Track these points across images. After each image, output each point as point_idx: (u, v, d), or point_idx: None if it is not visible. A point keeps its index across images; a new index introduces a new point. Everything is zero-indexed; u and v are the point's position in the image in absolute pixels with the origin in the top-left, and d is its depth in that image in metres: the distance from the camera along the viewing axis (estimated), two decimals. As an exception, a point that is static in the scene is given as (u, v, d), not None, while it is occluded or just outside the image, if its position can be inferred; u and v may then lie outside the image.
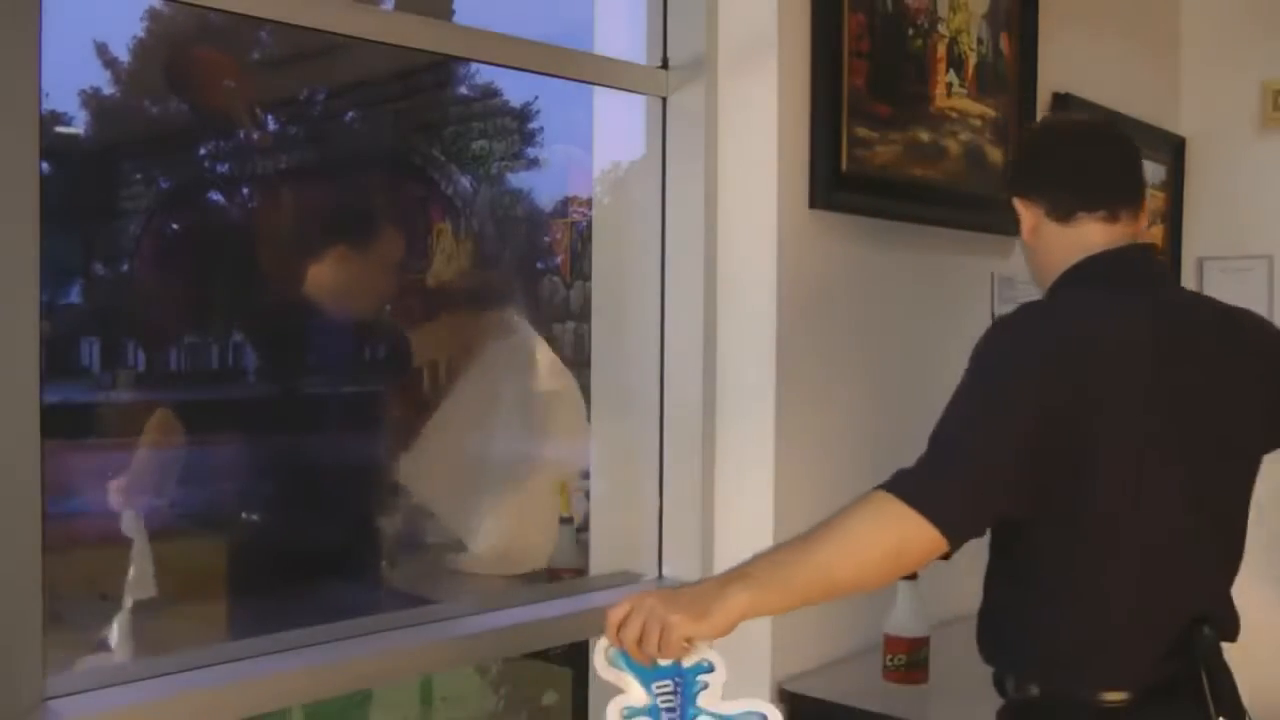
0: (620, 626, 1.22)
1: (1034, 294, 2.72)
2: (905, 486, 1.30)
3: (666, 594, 1.25)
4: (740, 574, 1.26)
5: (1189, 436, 1.39)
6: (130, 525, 1.78)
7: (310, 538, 1.82)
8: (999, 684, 1.50)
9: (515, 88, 2.44)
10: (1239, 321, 1.50)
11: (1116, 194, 1.51)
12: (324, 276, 2.03)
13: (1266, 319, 1.55)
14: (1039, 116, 2.65)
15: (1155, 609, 1.38)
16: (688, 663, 1.25)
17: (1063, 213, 1.52)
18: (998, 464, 1.34)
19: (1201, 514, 1.40)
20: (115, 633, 1.74)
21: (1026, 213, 1.57)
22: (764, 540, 1.93)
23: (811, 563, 1.27)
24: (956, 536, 1.30)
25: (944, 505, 1.29)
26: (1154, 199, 3.21)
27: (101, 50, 1.94)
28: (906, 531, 1.27)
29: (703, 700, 1.25)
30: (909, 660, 1.93)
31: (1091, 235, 1.50)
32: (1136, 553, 1.36)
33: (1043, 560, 1.42)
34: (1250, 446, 1.47)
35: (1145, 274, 1.52)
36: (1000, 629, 1.49)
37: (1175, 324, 1.44)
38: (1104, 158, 1.55)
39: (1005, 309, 2.61)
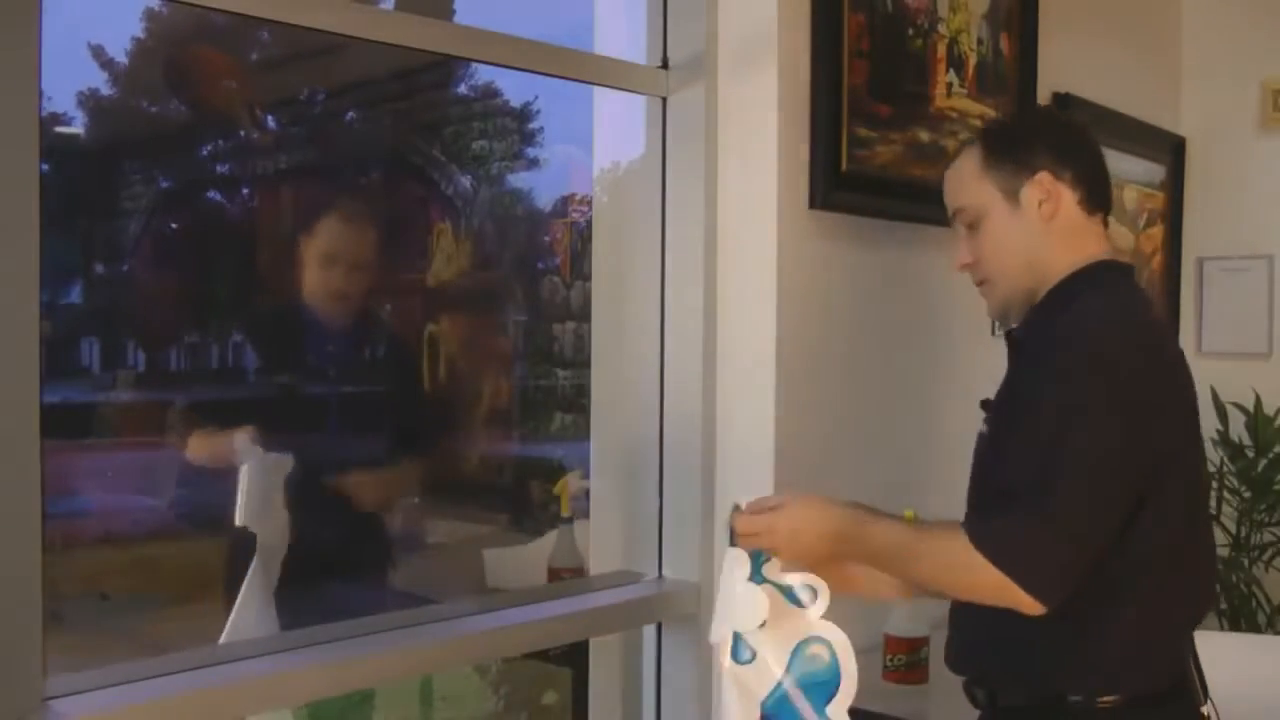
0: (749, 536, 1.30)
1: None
2: (1006, 556, 1.21)
3: (799, 530, 1.31)
4: (848, 533, 1.32)
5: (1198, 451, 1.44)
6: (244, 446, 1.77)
7: (312, 537, 1.82)
8: (988, 692, 1.45)
9: (515, 88, 2.44)
10: None
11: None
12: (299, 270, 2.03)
13: None
14: (1039, 116, 2.65)
15: (1197, 613, 1.42)
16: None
17: (1092, 205, 1.45)
18: (1111, 524, 1.26)
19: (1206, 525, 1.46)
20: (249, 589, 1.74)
21: (1052, 189, 1.42)
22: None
23: (914, 574, 1.37)
24: (1057, 602, 1.23)
25: (1052, 582, 1.22)
26: (1154, 199, 3.22)
27: (101, 51, 1.94)
28: (1005, 596, 1.23)
29: (766, 570, 1.33)
30: (909, 660, 1.93)
31: (1103, 237, 1.48)
32: (1183, 570, 1.36)
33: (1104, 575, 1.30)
34: None
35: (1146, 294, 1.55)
36: (1042, 641, 1.35)
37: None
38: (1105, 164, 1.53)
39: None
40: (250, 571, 1.73)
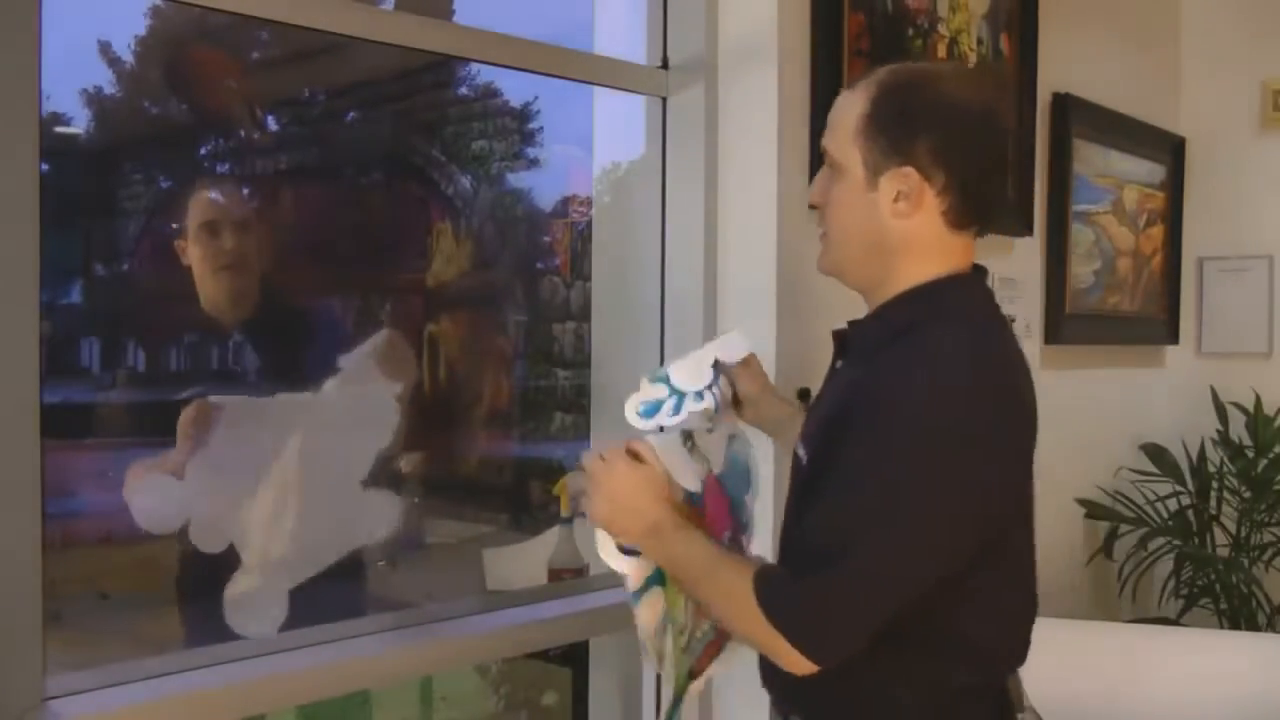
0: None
1: (1035, 294, 2.73)
2: (781, 614, 1.15)
3: (618, 504, 1.27)
4: (664, 531, 1.25)
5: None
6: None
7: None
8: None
9: (515, 88, 2.44)
10: None
11: (1003, 205, 1.38)
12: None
13: None
14: (1039, 116, 2.65)
15: (1013, 660, 1.32)
16: None
17: (960, 220, 1.26)
18: (904, 598, 1.16)
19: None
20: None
21: (915, 190, 1.23)
22: (763, 538, 1.93)
23: (699, 594, 1.27)
24: (828, 665, 1.17)
25: (823, 649, 1.16)
26: (1154, 199, 3.22)
27: (102, 50, 1.94)
28: (773, 649, 1.18)
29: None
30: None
31: (965, 251, 1.29)
32: (1003, 619, 1.29)
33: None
34: None
35: (995, 305, 1.36)
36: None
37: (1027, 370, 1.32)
38: (1008, 164, 1.37)
39: (1005, 309, 2.61)
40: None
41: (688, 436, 1.38)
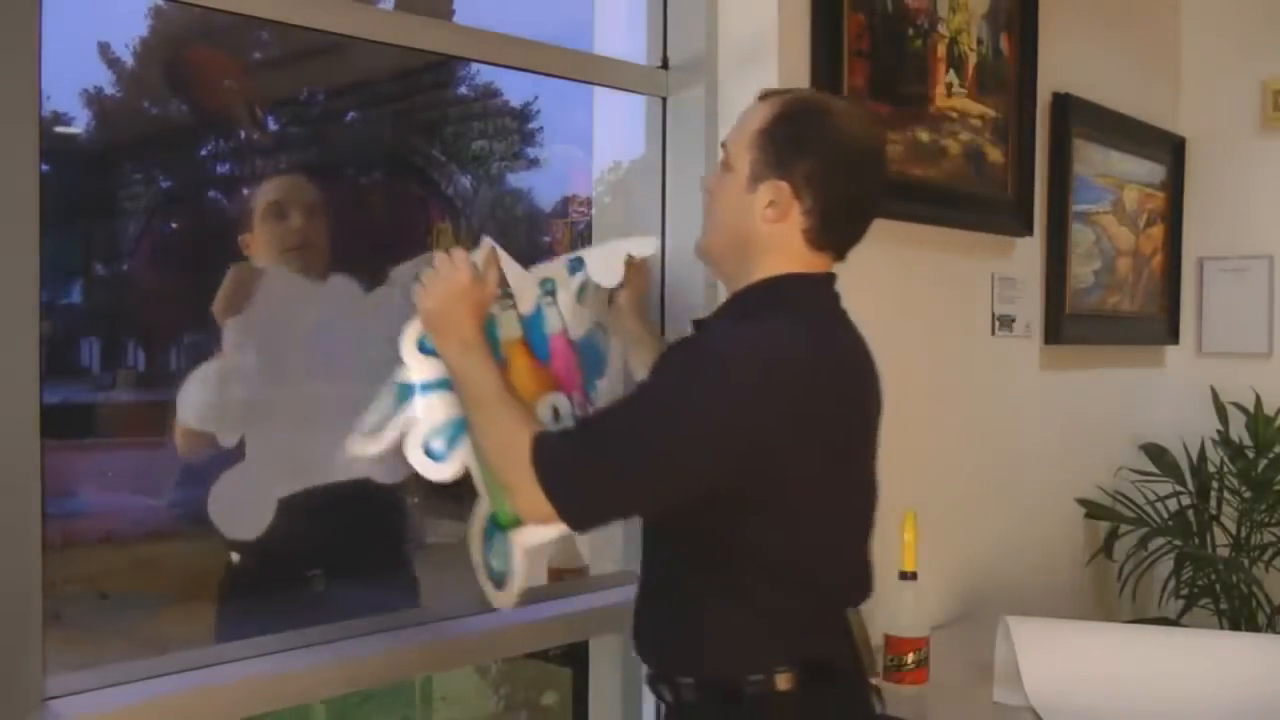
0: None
1: (1035, 294, 2.73)
2: (547, 467, 1.27)
3: (441, 309, 1.35)
4: (475, 352, 1.35)
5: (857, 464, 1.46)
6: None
7: (314, 537, 1.81)
8: (669, 684, 1.44)
9: (515, 88, 2.44)
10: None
11: (858, 241, 1.47)
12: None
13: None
14: (1039, 116, 2.65)
15: (838, 600, 1.45)
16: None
17: (819, 241, 1.40)
18: (654, 494, 1.32)
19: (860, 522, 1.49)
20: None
21: (784, 204, 1.37)
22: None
23: (478, 418, 1.34)
24: (579, 528, 1.36)
25: (576, 506, 1.29)
26: (1154, 199, 3.22)
27: (101, 50, 1.94)
28: (530, 499, 1.28)
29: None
30: (909, 660, 1.93)
31: (819, 267, 1.43)
32: (816, 569, 1.40)
33: (736, 559, 1.37)
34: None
35: (842, 311, 1.47)
36: (681, 627, 1.42)
37: (863, 366, 1.47)
38: (879, 199, 1.47)
39: (1005, 309, 2.62)
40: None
41: (548, 286, 1.50)
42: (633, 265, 1.62)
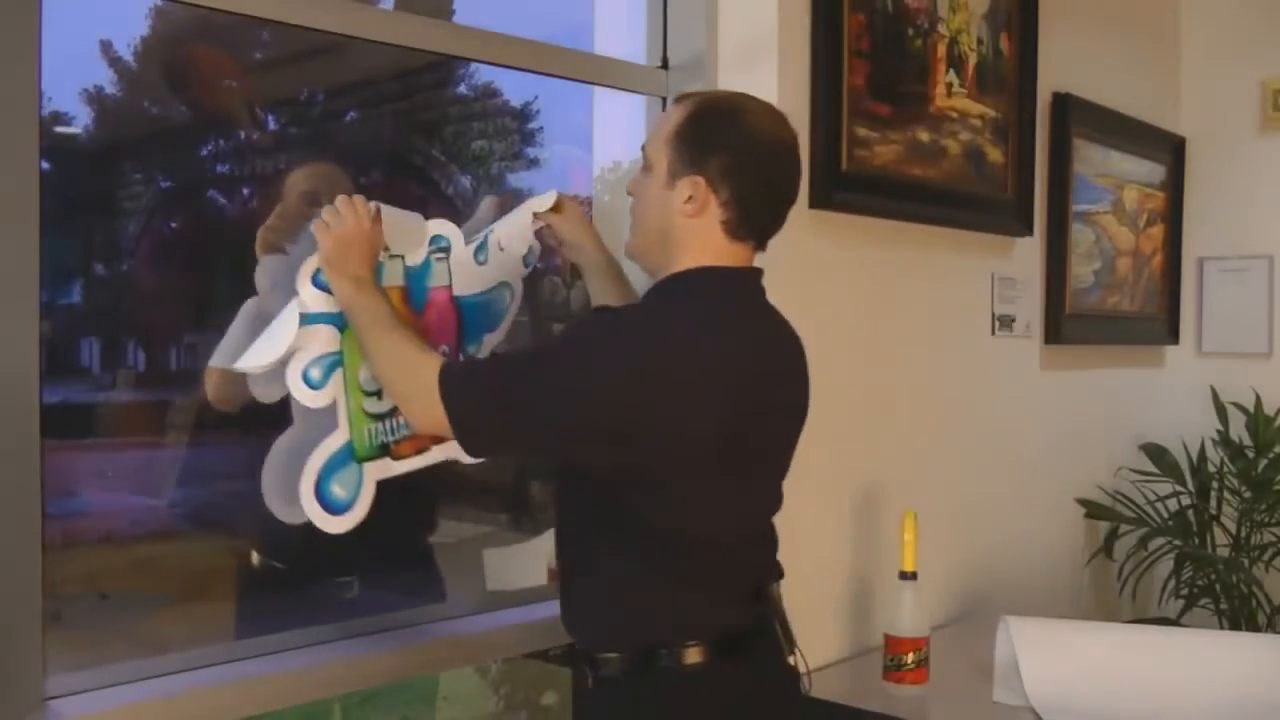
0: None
1: (1035, 294, 2.73)
2: (452, 388, 1.36)
3: (342, 251, 1.43)
4: (368, 287, 1.44)
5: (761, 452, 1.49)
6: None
7: (314, 538, 1.81)
8: (590, 660, 1.48)
9: (515, 88, 2.43)
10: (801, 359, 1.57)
11: (778, 229, 1.51)
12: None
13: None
14: (1039, 116, 2.65)
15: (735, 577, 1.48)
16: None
17: (739, 232, 1.45)
18: (539, 438, 1.40)
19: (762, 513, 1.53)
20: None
21: (702, 198, 1.42)
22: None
23: (377, 340, 1.42)
24: (471, 451, 1.42)
25: (471, 428, 1.38)
26: (1154, 199, 3.22)
27: (101, 50, 1.94)
28: (432, 411, 1.37)
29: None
30: (909, 660, 1.93)
31: (742, 258, 1.47)
32: (713, 545, 1.44)
33: (643, 539, 1.42)
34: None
35: (761, 302, 1.51)
36: (601, 602, 1.47)
37: (775, 353, 1.50)
38: (793, 191, 1.50)
39: (1005, 309, 2.62)
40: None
41: (441, 243, 1.59)
42: (542, 217, 1.66)
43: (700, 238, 1.44)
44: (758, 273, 1.50)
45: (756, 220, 1.46)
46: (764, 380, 1.45)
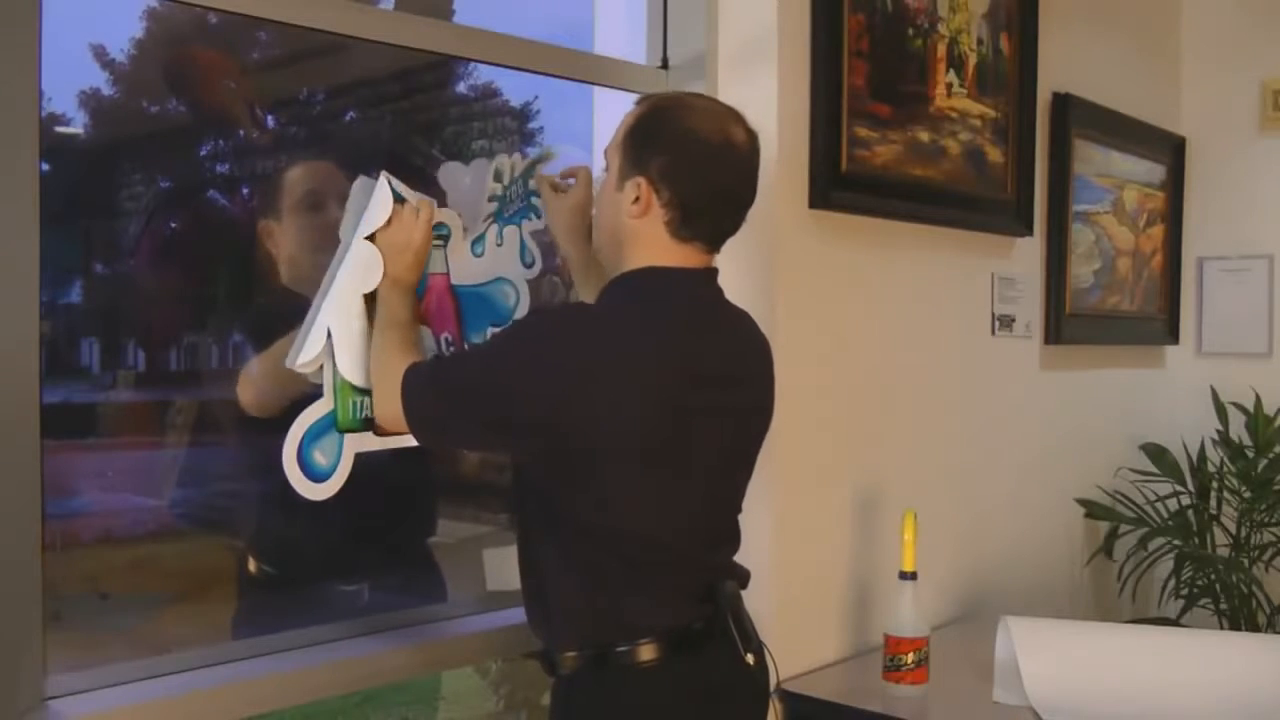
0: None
1: (1035, 294, 2.73)
2: (408, 385, 1.43)
3: (402, 250, 1.53)
4: (400, 291, 1.53)
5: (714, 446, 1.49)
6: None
7: (313, 538, 1.81)
8: (551, 660, 1.53)
9: (515, 88, 2.44)
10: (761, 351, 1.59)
11: (733, 232, 1.52)
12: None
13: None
14: (1039, 116, 2.65)
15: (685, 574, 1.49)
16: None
17: (683, 232, 1.46)
18: (475, 433, 1.48)
19: (717, 507, 1.55)
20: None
21: (645, 198, 1.45)
22: (762, 538, 1.94)
23: (380, 339, 1.50)
24: (423, 441, 1.48)
25: (420, 421, 1.45)
26: (1154, 199, 3.22)
27: (101, 50, 1.94)
28: (392, 408, 1.44)
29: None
30: (909, 660, 1.93)
31: (692, 258, 1.48)
32: (658, 540, 1.46)
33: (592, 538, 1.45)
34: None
35: (711, 302, 1.53)
36: (556, 602, 1.50)
37: (721, 354, 1.50)
38: (744, 192, 1.50)
39: (1005, 309, 2.62)
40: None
41: (443, 230, 1.64)
42: (546, 179, 1.73)
43: (646, 238, 1.46)
44: (710, 273, 1.51)
45: (701, 222, 1.46)
46: (705, 381, 1.45)
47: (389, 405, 1.45)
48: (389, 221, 1.52)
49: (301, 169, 1.89)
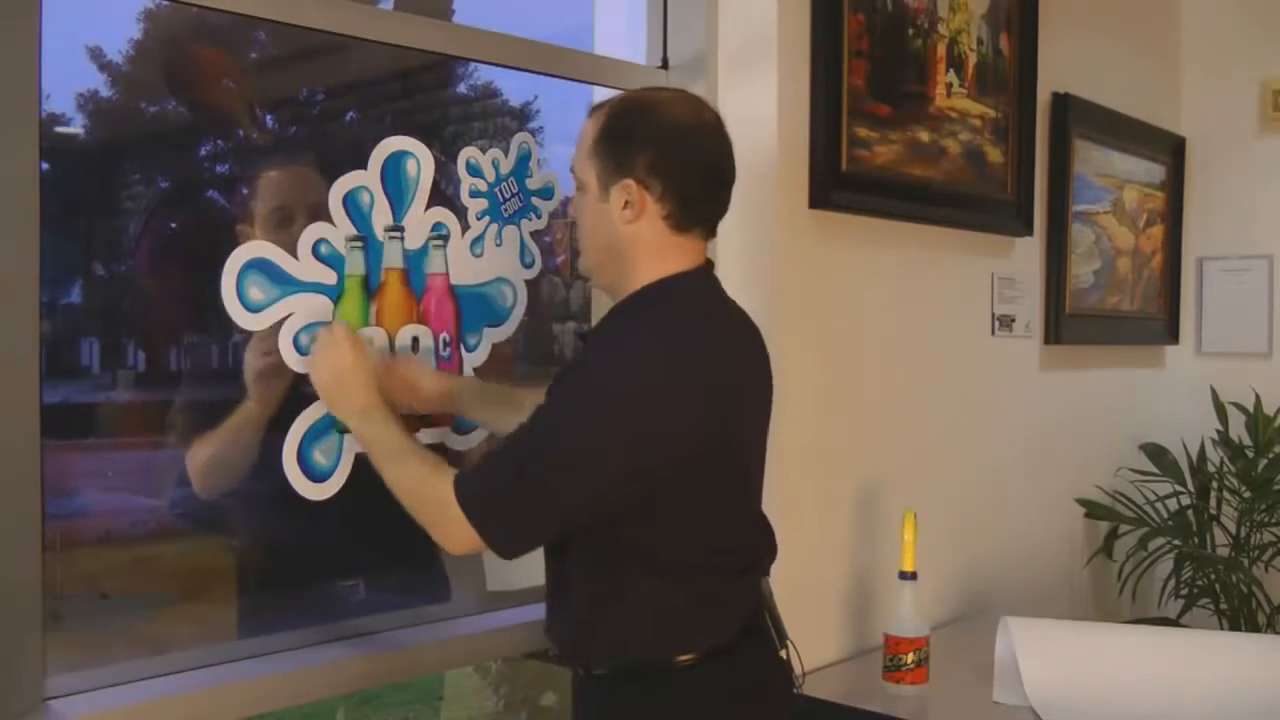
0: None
1: (1035, 294, 2.73)
2: (473, 505, 1.34)
3: (337, 382, 1.43)
4: (374, 415, 1.43)
5: (750, 453, 1.50)
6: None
7: (312, 539, 1.81)
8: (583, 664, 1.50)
9: (515, 88, 2.43)
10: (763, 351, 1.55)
11: (724, 213, 1.49)
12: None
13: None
14: (1039, 116, 2.65)
15: (746, 577, 1.49)
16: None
17: (682, 223, 1.43)
18: (574, 514, 1.37)
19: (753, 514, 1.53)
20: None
21: (637, 199, 1.41)
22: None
23: (390, 473, 1.41)
24: (509, 556, 1.39)
25: (505, 537, 1.36)
26: (1154, 199, 3.22)
27: (101, 51, 1.94)
28: (461, 535, 1.35)
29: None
30: (909, 660, 1.93)
31: (694, 252, 1.46)
32: (722, 545, 1.44)
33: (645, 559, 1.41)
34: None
35: (721, 301, 1.51)
36: (595, 621, 1.45)
37: (743, 355, 1.49)
38: (729, 169, 1.47)
39: (1005, 309, 2.62)
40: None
41: (440, 230, 1.64)
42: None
43: (646, 241, 1.43)
44: (711, 268, 1.50)
45: (697, 207, 1.44)
46: (741, 386, 1.46)
47: (455, 535, 1.35)
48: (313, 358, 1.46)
49: (275, 177, 1.85)
